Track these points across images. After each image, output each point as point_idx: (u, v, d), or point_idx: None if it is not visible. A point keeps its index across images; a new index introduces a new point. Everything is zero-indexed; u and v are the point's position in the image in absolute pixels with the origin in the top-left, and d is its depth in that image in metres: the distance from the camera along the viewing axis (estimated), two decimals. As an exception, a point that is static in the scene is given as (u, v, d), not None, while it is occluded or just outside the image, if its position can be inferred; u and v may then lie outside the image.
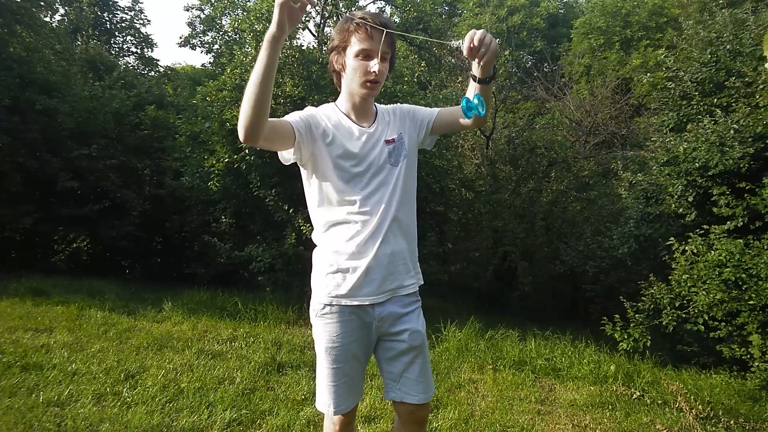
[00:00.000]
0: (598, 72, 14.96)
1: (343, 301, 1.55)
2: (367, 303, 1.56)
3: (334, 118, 1.58)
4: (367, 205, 1.54)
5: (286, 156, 1.54)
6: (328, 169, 1.53)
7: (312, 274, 1.64)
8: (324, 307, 1.57)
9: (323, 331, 1.58)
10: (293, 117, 1.50)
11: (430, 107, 1.78)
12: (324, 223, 1.59)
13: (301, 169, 1.60)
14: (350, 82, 1.55)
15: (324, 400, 1.60)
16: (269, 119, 1.35)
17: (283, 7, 1.24)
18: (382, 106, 1.70)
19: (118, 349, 3.71)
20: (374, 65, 1.48)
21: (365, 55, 1.49)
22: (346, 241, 1.55)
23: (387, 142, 1.60)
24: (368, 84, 1.51)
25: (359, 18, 1.50)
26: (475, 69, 1.48)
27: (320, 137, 1.52)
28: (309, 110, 1.58)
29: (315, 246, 1.65)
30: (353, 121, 1.59)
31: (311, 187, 1.60)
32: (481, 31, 1.38)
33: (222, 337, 4.25)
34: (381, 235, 1.54)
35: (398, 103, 1.74)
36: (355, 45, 1.49)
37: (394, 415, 1.73)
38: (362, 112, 1.61)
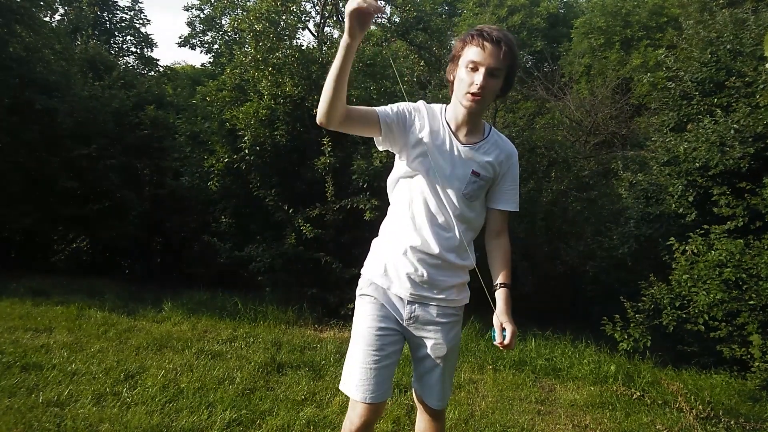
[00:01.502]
0: (599, 72, 14.95)
1: (380, 282, 1.61)
2: (395, 294, 1.61)
3: (436, 121, 1.59)
4: (426, 211, 1.57)
5: (377, 141, 1.60)
6: (411, 163, 1.57)
7: (369, 253, 1.72)
8: (363, 288, 1.65)
9: (361, 309, 1.63)
10: (384, 108, 1.55)
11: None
12: (390, 210, 1.68)
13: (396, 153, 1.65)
14: (456, 92, 1.55)
15: (351, 382, 1.57)
16: (353, 107, 1.46)
17: (352, 15, 1.26)
18: (497, 136, 1.66)
19: (117, 349, 3.71)
20: (479, 78, 1.46)
21: (473, 67, 1.48)
22: (397, 236, 1.61)
23: (473, 173, 1.58)
24: (468, 95, 1.49)
25: (476, 30, 1.49)
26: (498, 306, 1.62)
27: (413, 133, 1.56)
28: (412, 104, 1.61)
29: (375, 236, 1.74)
30: (452, 131, 1.58)
31: (397, 167, 1.65)
32: (513, 339, 1.55)
33: (222, 337, 4.25)
34: (426, 242, 1.58)
35: (512, 148, 1.69)
36: (467, 56, 1.49)
37: (415, 401, 1.77)
38: (464, 126, 1.59)
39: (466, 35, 1.51)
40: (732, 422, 3.12)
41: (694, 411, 3.20)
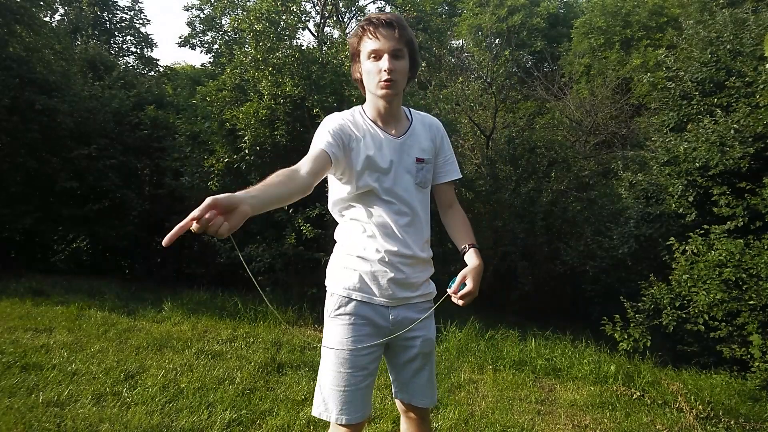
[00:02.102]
0: (599, 72, 14.93)
1: (358, 296, 1.54)
2: (378, 303, 1.55)
3: (362, 125, 1.56)
4: (389, 214, 1.54)
5: (331, 178, 1.56)
6: (357, 175, 1.52)
7: (328, 270, 1.64)
8: (339, 307, 1.56)
9: (335, 331, 1.55)
10: (324, 141, 1.45)
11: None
12: (346, 222, 1.61)
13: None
14: (368, 86, 1.53)
15: (326, 406, 1.53)
16: (310, 167, 1.34)
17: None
18: (419, 115, 1.66)
19: (117, 349, 3.71)
20: (384, 63, 1.45)
21: (375, 56, 1.47)
22: (366, 245, 1.55)
23: (418, 160, 1.57)
24: (381, 83, 1.47)
25: (364, 20, 1.49)
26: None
27: (353, 149, 1.52)
28: (336, 121, 1.54)
29: (335, 242, 1.66)
30: (380, 128, 1.56)
31: (335, 181, 1.59)
32: (473, 292, 1.49)
33: (222, 337, 4.25)
34: (401, 244, 1.55)
35: (434, 119, 1.69)
36: (365, 48, 1.48)
37: (398, 407, 1.74)
38: (389, 117, 1.57)
39: (357, 29, 1.50)
40: (732, 422, 3.12)
41: (694, 411, 3.20)
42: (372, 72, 1.48)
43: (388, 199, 1.53)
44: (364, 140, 1.53)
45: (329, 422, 1.55)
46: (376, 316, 1.55)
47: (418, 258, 1.58)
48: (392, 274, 1.54)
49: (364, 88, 1.57)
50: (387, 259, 1.53)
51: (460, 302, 1.50)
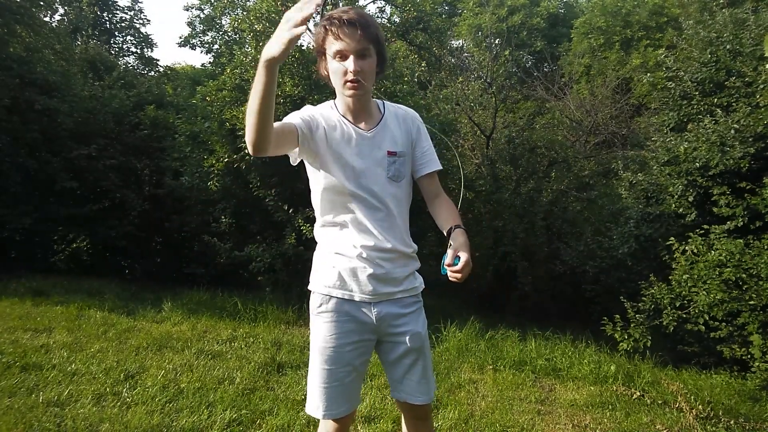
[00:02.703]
0: (599, 72, 14.95)
1: (338, 293, 1.54)
2: (358, 300, 1.55)
3: (333, 119, 1.54)
4: (362, 210, 1.53)
5: (293, 156, 1.53)
6: (327, 170, 1.53)
7: (312, 270, 1.63)
8: (321, 305, 1.56)
9: (319, 329, 1.56)
10: (295, 118, 1.48)
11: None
12: (322, 221, 1.60)
13: (307, 165, 1.58)
14: (336, 86, 1.51)
15: (314, 403, 1.56)
16: (274, 125, 1.34)
17: (293, 41, 1.17)
18: (392, 108, 1.64)
19: (117, 349, 3.71)
20: (350, 64, 1.43)
21: (341, 56, 1.44)
22: (345, 243, 1.55)
23: (389, 153, 1.56)
24: (348, 84, 1.46)
25: (326, 19, 1.45)
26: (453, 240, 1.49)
27: (320, 139, 1.51)
28: (308, 110, 1.55)
29: (316, 242, 1.65)
30: (351, 123, 1.55)
31: (314, 180, 1.59)
32: (468, 262, 1.42)
33: (222, 337, 4.24)
34: (377, 239, 1.54)
35: (409, 111, 1.67)
36: (330, 48, 1.45)
37: (398, 407, 1.74)
38: (360, 112, 1.56)
39: (320, 27, 1.47)
40: (732, 422, 3.12)
41: (694, 411, 3.20)
42: (338, 72, 1.46)
43: (360, 194, 1.52)
44: (334, 132, 1.52)
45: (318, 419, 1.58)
46: (358, 312, 1.55)
47: (398, 252, 1.56)
48: (371, 270, 1.53)
49: (331, 83, 1.55)
50: (365, 255, 1.53)
51: (458, 276, 1.43)
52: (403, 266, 1.60)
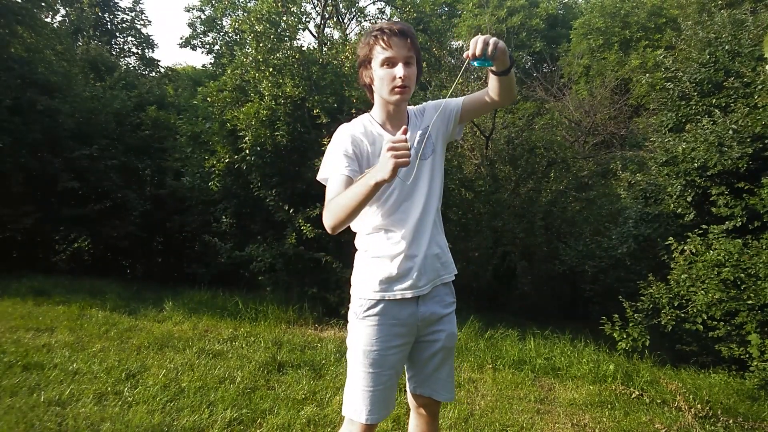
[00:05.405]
0: (597, 72, 14.97)
1: (387, 296, 1.58)
2: (410, 296, 1.59)
3: (372, 132, 1.63)
4: (403, 207, 1.61)
5: None
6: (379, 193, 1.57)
7: (353, 277, 1.67)
8: (368, 309, 1.58)
9: (363, 333, 1.58)
10: (343, 166, 1.53)
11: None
12: (365, 228, 1.65)
13: None
14: (381, 92, 1.60)
15: (357, 407, 1.57)
16: (341, 194, 1.46)
17: (398, 166, 1.28)
18: (412, 108, 1.74)
19: (119, 348, 3.73)
20: (399, 70, 1.53)
21: (389, 63, 1.55)
22: (388, 245, 1.60)
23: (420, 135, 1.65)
24: (396, 90, 1.56)
25: (377, 30, 1.56)
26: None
27: (367, 163, 1.59)
28: (346, 139, 1.59)
29: (356, 250, 1.69)
30: (388, 131, 1.63)
31: None
32: (482, 37, 1.45)
33: (223, 336, 4.26)
34: (419, 234, 1.60)
35: (421, 108, 1.76)
36: (378, 56, 1.55)
37: (411, 405, 1.77)
38: (397, 119, 1.65)
39: (369, 38, 1.57)
40: (730, 421, 3.13)
41: (692, 410, 3.21)
42: (386, 78, 1.56)
43: (400, 195, 1.60)
44: (374, 146, 1.60)
45: (350, 420, 1.59)
46: (405, 313, 1.60)
47: (439, 245, 1.65)
48: (419, 263, 1.59)
49: (371, 92, 1.65)
50: (409, 253, 1.59)
51: (485, 48, 1.44)
52: (444, 260, 1.67)
